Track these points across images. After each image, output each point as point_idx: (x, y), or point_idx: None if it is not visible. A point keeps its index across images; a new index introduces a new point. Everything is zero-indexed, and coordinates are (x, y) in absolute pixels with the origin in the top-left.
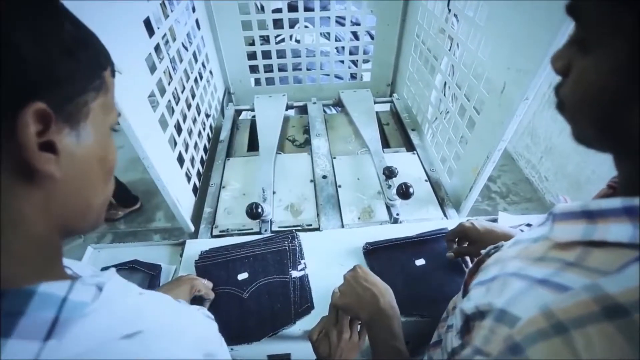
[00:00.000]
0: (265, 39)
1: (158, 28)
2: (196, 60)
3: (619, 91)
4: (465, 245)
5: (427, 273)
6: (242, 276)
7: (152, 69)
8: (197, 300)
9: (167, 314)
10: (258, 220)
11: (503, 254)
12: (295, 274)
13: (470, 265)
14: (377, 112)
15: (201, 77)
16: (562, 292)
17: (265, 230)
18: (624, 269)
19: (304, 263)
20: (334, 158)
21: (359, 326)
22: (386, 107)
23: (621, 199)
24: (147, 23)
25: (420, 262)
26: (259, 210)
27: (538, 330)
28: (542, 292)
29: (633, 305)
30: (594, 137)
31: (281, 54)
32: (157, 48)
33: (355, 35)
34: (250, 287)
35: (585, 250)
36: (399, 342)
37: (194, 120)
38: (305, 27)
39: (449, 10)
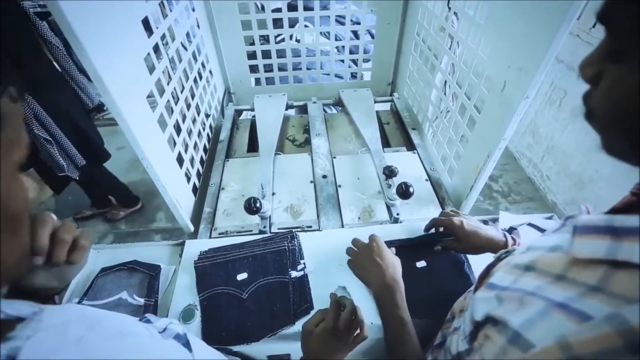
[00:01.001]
0: (265, 39)
1: (157, 28)
2: (196, 60)
3: None
4: (451, 239)
5: (428, 275)
6: (242, 276)
7: (151, 69)
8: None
9: None
10: (257, 221)
11: (514, 259)
12: (294, 274)
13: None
14: (377, 112)
15: (201, 77)
16: (582, 321)
17: (265, 227)
18: None
19: (304, 263)
20: (334, 158)
21: (357, 330)
22: (386, 106)
23: None
24: (146, 23)
25: (421, 264)
26: (257, 205)
27: None
28: (560, 318)
29: None
30: (624, 148)
31: (281, 54)
32: (155, 48)
33: (356, 35)
34: (250, 288)
35: (608, 271)
36: (402, 312)
37: (194, 121)
38: (305, 26)
39: (449, 8)
